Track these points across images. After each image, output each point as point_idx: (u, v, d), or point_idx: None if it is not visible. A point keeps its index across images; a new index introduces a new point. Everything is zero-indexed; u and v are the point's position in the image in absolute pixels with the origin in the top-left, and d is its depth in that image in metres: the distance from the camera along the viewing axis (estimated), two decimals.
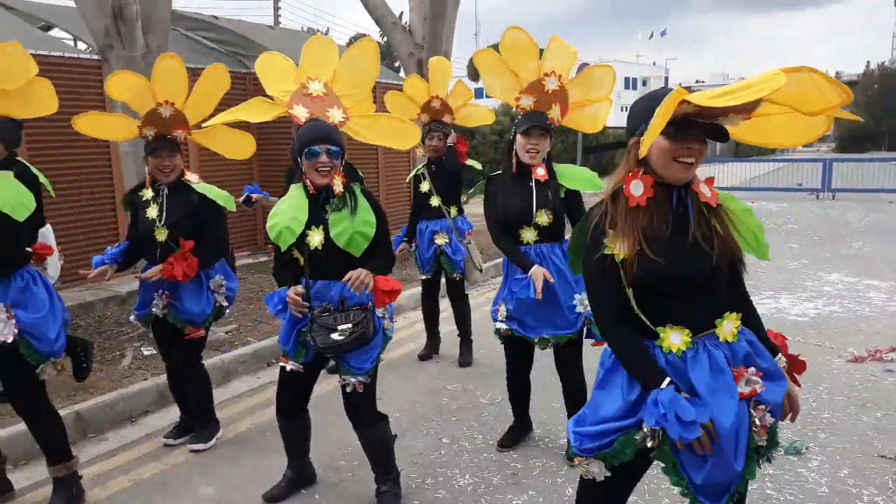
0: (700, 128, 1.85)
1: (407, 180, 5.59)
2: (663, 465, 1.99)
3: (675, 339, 1.94)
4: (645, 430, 1.95)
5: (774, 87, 1.60)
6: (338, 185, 3.03)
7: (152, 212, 3.74)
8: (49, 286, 3.24)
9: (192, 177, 3.84)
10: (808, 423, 4.10)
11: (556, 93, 3.54)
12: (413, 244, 5.42)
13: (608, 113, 3.68)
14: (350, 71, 3.24)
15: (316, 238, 3.02)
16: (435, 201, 5.23)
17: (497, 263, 8.97)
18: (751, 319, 2.08)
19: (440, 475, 3.63)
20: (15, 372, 3.13)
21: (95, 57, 7.01)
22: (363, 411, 3.22)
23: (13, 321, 3.05)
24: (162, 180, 3.74)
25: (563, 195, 3.56)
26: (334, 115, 3.12)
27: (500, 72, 3.61)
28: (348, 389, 3.15)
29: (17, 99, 3.00)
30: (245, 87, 8.78)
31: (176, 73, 3.66)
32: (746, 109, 1.79)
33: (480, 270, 5.30)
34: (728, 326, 1.96)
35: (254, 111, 3.15)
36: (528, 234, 3.57)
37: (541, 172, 3.52)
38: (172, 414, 4.36)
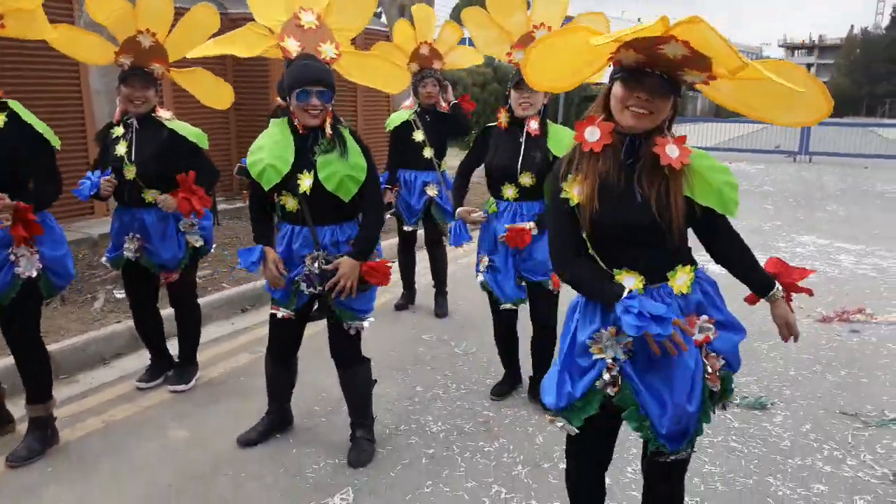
0: (652, 79, 1.85)
1: (388, 125, 5.41)
2: (625, 411, 2.03)
3: (628, 281, 1.97)
4: (605, 377, 2.00)
5: (656, 31, 1.67)
6: (328, 128, 2.97)
7: (121, 148, 3.61)
8: (58, 224, 3.26)
9: (164, 113, 3.70)
10: (774, 379, 4.19)
11: None
12: (395, 191, 5.31)
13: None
14: (345, 3, 3.12)
15: (306, 182, 2.97)
16: (428, 153, 5.11)
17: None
18: (743, 256, 2.11)
19: (413, 422, 3.67)
20: (25, 305, 3.13)
21: None
22: (352, 351, 3.26)
23: (36, 256, 3.08)
24: (131, 111, 3.61)
25: (550, 159, 3.54)
26: (326, 51, 3.03)
27: (488, 27, 3.57)
28: (352, 332, 3.19)
29: (30, 21, 2.94)
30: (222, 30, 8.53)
31: (161, 3, 3.52)
32: (693, 64, 1.77)
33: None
34: (681, 279, 2.01)
35: (244, 43, 3.03)
36: (509, 191, 3.60)
37: (534, 126, 3.49)
38: (145, 357, 4.31)
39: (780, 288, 2.14)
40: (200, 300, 5.19)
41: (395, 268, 5.88)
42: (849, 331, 5.07)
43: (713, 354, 2.02)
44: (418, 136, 5.12)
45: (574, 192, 1.99)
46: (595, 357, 2.03)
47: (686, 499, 2.92)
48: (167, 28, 3.56)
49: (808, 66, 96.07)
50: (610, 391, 2.02)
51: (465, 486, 3.07)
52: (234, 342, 4.81)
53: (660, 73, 1.83)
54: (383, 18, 10.99)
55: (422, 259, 5.56)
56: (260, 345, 4.29)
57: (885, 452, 3.36)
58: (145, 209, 3.68)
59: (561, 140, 3.53)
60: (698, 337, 2.00)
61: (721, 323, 2.05)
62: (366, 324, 3.22)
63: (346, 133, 3.05)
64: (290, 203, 3.03)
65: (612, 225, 1.97)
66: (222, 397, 3.95)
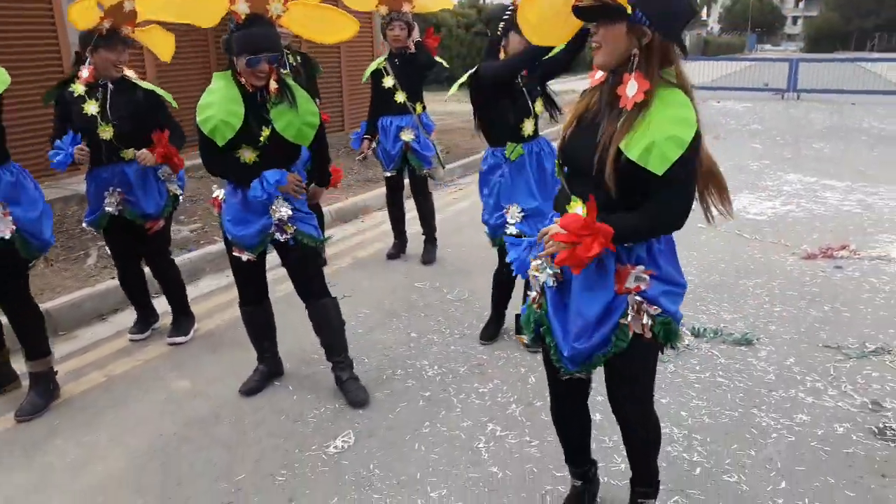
0: (589, 9, 1.90)
1: (364, 75, 5.41)
2: (542, 326, 2.23)
3: (577, 210, 2.03)
4: (534, 292, 2.24)
5: None
6: (272, 84, 3.05)
7: (90, 108, 3.60)
8: (36, 183, 3.27)
9: (130, 73, 3.72)
10: (760, 316, 4.30)
11: None
12: (375, 141, 5.32)
13: None
14: None
15: (265, 133, 3.08)
16: (400, 97, 5.12)
17: (463, 164, 8.93)
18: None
19: (409, 367, 3.76)
20: (6, 266, 3.17)
21: None
22: (319, 283, 3.38)
23: (9, 218, 3.11)
24: (113, 75, 3.61)
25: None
26: (274, 9, 3.04)
27: None
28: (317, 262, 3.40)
29: None
30: None
31: None
32: None
33: (443, 167, 5.31)
34: None
35: (199, 11, 2.99)
36: (528, 127, 3.65)
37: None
38: None
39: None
40: (193, 254, 5.27)
41: (385, 217, 5.95)
42: (833, 267, 5.17)
43: (644, 302, 2.06)
44: (388, 81, 5.12)
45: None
46: (530, 274, 2.21)
47: (675, 431, 3.06)
48: None
49: (796, 1, 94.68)
50: (535, 306, 2.24)
51: (462, 425, 3.18)
52: (228, 294, 4.85)
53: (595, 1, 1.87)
54: None
55: (411, 208, 5.58)
56: None
57: (865, 382, 3.48)
58: (125, 164, 3.72)
59: None
60: (630, 285, 2.05)
61: (659, 278, 2.08)
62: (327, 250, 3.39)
63: (291, 82, 3.14)
64: (247, 155, 3.11)
65: (566, 157, 2.11)
66: (219, 348, 4.02)
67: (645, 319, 2.07)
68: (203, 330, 4.27)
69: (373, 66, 5.23)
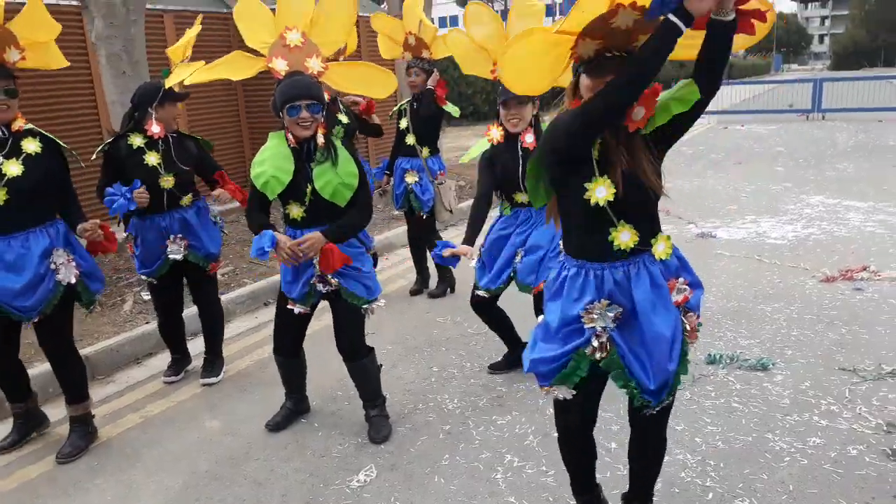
0: (613, 61, 2.00)
1: (391, 114, 5.72)
2: (613, 371, 2.21)
3: (625, 237, 2.13)
4: (594, 343, 2.18)
5: (603, 6, 1.85)
6: (320, 138, 3.19)
7: (151, 159, 3.80)
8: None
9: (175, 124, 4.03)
10: (776, 341, 4.34)
11: None
12: (391, 178, 5.59)
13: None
14: (327, 18, 3.30)
15: (309, 189, 3.22)
16: (410, 139, 5.35)
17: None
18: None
19: (430, 400, 3.88)
20: (64, 312, 3.39)
21: (74, 2, 6.97)
22: (357, 343, 3.48)
23: (73, 264, 3.36)
24: (173, 128, 3.91)
25: None
26: (313, 66, 3.22)
27: (471, 50, 3.68)
28: (367, 314, 3.45)
29: (45, 52, 3.19)
30: (228, 29, 8.73)
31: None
32: (643, 28, 1.93)
33: (451, 211, 5.48)
34: (661, 246, 2.18)
35: (235, 68, 3.25)
36: (521, 197, 3.77)
37: (529, 140, 3.65)
38: None
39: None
40: (224, 296, 5.46)
41: (408, 254, 6.13)
42: (852, 289, 5.19)
43: (691, 313, 2.21)
44: (403, 122, 5.41)
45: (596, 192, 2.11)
46: (587, 326, 2.19)
47: (688, 457, 3.13)
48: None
49: (822, 18, 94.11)
50: (598, 356, 2.20)
51: (481, 457, 3.28)
52: (258, 335, 5.04)
53: (618, 53, 1.99)
54: (384, 6, 11.10)
55: None
56: None
57: (880, 404, 3.51)
58: (183, 209, 3.98)
59: None
60: (678, 298, 2.18)
61: (692, 284, 2.24)
62: (376, 305, 3.45)
63: (337, 142, 3.28)
64: (295, 211, 3.27)
65: (626, 194, 2.10)
66: (250, 387, 4.18)
67: (696, 329, 2.23)
68: (234, 371, 4.44)
69: (398, 105, 5.55)
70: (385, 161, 5.67)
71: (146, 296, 5.55)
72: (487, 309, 4.05)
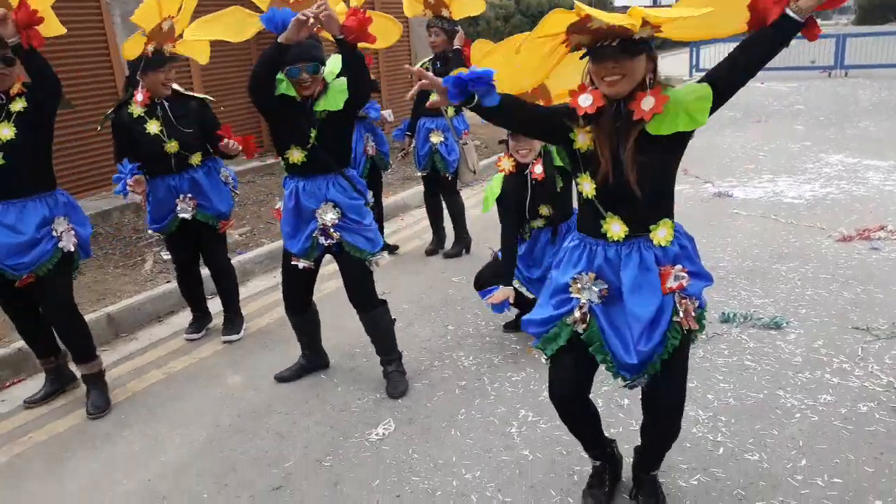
0: (611, 48, 2.01)
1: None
2: (593, 345, 2.27)
3: (615, 228, 2.19)
4: (576, 314, 2.25)
5: (563, 24, 1.91)
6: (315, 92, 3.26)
7: (152, 127, 3.86)
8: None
9: (177, 86, 3.99)
10: (791, 300, 4.36)
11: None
12: (413, 139, 5.55)
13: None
14: None
15: (312, 135, 3.28)
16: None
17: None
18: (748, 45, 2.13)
19: (446, 358, 3.96)
20: (60, 277, 3.45)
21: None
22: (368, 294, 3.54)
23: (73, 232, 3.44)
24: (165, 93, 3.88)
25: (559, 188, 3.71)
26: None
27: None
28: (373, 268, 3.49)
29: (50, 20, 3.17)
30: None
31: None
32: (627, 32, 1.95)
33: (474, 172, 5.45)
34: (662, 232, 2.20)
35: (233, 27, 3.19)
36: (536, 223, 3.83)
37: (538, 171, 3.64)
38: None
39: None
40: (242, 256, 5.55)
41: (423, 214, 6.16)
42: (869, 248, 5.17)
43: (686, 298, 2.22)
44: None
45: (579, 138, 2.21)
46: (573, 296, 2.27)
47: (700, 413, 3.19)
48: (178, 6, 3.74)
49: None
50: (579, 328, 2.27)
51: (496, 411, 3.36)
52: (277, 293, 5.08)
53: (617, 40, 1.99)
54: None
55: None
56: None
57: (892, 363, 3.53)
58: (192, 169, 4.02)
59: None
60: (672, 284, 2.20)
61: (693, 273, 2.25)
62: (380, 260, 3.51)
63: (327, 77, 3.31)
64: (296, 156, 3.31)
65: (603, 180, 2.17)
66: (270, 344, 4.27)
67: (693, 314, 2.24)
68: (256, 328, 4.54)
69: (419, 63, 5.43)
70: (406, 122, 5.64)
71: (166, 255, 5.64)
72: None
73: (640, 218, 2.18)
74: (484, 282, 4.04)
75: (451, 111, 5.34)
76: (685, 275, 2.21)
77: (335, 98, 3.28)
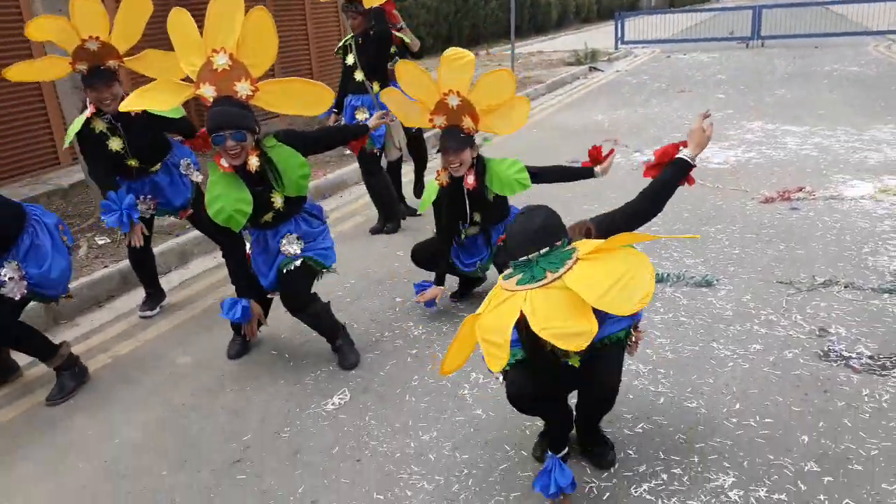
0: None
1: (336, 49, 5.66)
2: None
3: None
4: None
5: None
6: (252, 162, 3.23)
7: (114, 144, 3.91)
8: (50, 227, 3.47)
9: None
10: (720, 259, 4.60)
11: (461, 107, 3.57)
12: (340, 116, 5.53)
13: (526, 112, 3.65)
14: (255, 38, 3.14)
15: (279, 200, 3.40)
16: (359, 75, 5.29)
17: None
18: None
19: (396, 328, 4.03)
20: (11, 309, 3.38)
21: None
22: (304, 296, 3.59)
23: (24, 282, 3.33)
24: (110, 110, 3.83)
25: (491, 197, 3.88)
26: (241, 90, 3.16)
27: (405, 103, 3.78)
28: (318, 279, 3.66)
29: None
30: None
31: (91, 9, 3.62)
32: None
33: (400, 149, 5.48)
34: None
35: (164, 96, 3.14)
36: (471, 230, 4.05)
37: (471, 181, 3.77)
38: (136, 297, 4.65)
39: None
40: (181, 237, 5.46)
41: (363, 190, 6.18)
42: (789, 208, 5.49)
43: (640, 331, 2.65)
44: (349, 59, 5.35)
45: None
46: None
47: (640, 367, 3.36)
48: (107, 28, 3.67)
49: None
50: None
51: (447, 376, 3.46)
52: (218, 274, 5.07)
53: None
54: None
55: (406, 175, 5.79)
56: None
57: (813, 312, 3.80)
58: (153, 174, 4.12)
59: (501, 178, 3.79)
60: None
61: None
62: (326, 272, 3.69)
63: (273, 151, 3.32)
64: (266, 216, 3.44)
65: None
66: (217, 324, 4.25)
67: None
68: (200, 309, 4.51)
69: (342, 41, 5.46)
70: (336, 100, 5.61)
71: (101, 241, 5.52)
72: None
73: None
74: (419, 258, 4.21)
75: (376, 87, 5.31)
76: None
77: (299, 185, 3.40)
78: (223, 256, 3.78)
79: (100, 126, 3.88)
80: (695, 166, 2.74)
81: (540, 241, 2.10)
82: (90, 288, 4.73)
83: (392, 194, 5.74)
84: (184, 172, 4.22)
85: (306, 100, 3.32)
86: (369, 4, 5.06)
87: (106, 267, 4.96)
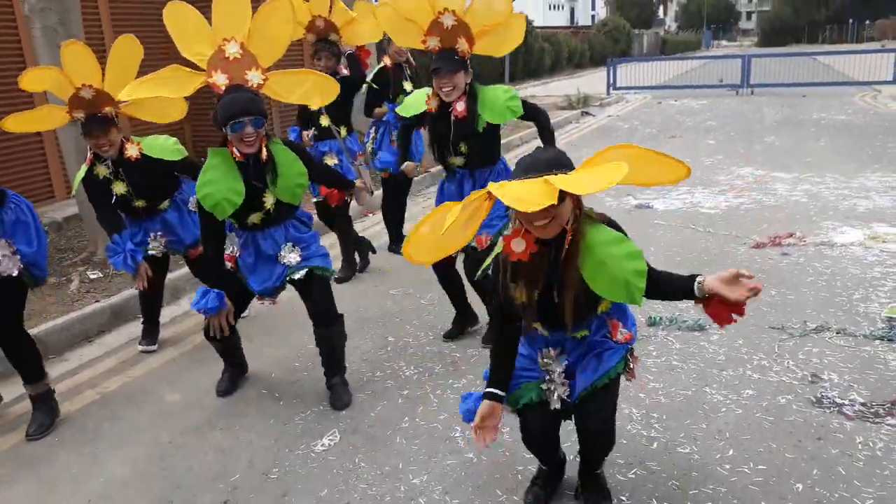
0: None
1: None
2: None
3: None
4: (553, 386, 2.51)
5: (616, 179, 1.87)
6: (264, 152, 3.27)
7: (118, 188, 3.93)
8: (32, 210, 3.48)
9: (131, 149, 3.88)
10: None
11: (455, 27, 3.55)
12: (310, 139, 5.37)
13: (521, 30, 3.68)
14: (265, 28, 3.22)
15: (270, 200, 3.37)
16: (324, 121, 5.20)
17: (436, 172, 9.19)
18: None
19: (388, 368, 4.01)
20: (7, 300, 3.37)
21: None
22: (333, 309, 3.63)
23: (17, 256, 3.32)
24: (109, 156, 3.87)
25: (482, 128, 3.83)
26: (253, 79, 3.20)
27: (399, 22, 3.69)
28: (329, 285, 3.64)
29: None
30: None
31: (82, 57, 3.64)
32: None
33: (371, 193, 5.45)
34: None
35: (174, 84, 3.18)
36: (456, 160, 3.96)
37: (460, 108, 3.76)
38: (126, 333, 4.65)
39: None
40: (173, 274, 5.44)
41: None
42: (780, 254, 5.53)
43: (637, 357, 2.66)
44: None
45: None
46: (543, 368, 2.55)
47: (633, 411, 3.34)
48: (99, 75, 3.69)
49: None
50: (555, 398, 2.51)
51: (439, 418, 3.43)
52: None
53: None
54: None
55: (378, 220, 5.81)
56: None
57: (805, 358, 3.81)
58: (162, 211, 4.17)
59: (493, 104, 3.78)
60: (620, 338, 2.54)
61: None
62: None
63: (277, 150, 3.36)
64: (254, 217, 3.41)
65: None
66: (208, 361, 4.20)
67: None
68: (191, 345, 4.47)
69: None
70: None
71: (93, 275, 5.49)
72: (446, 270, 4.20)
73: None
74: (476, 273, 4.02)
75: (343, 132, 5.30)
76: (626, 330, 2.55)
77: (294, 192, 3.41)
78: (202, 243, 3.59)
79: (102, 171, 3.90)
80: (697, 298, 2.42)
81: (545, 169, 2.06)
82: (81, 322, 4.70)
83: (350, 240, 5.65)
84: (192, 210, 4.22)
85: (315, 90, 3.40)
86: (351, 42, 5.10)
87: (97, 301, 4.93)
